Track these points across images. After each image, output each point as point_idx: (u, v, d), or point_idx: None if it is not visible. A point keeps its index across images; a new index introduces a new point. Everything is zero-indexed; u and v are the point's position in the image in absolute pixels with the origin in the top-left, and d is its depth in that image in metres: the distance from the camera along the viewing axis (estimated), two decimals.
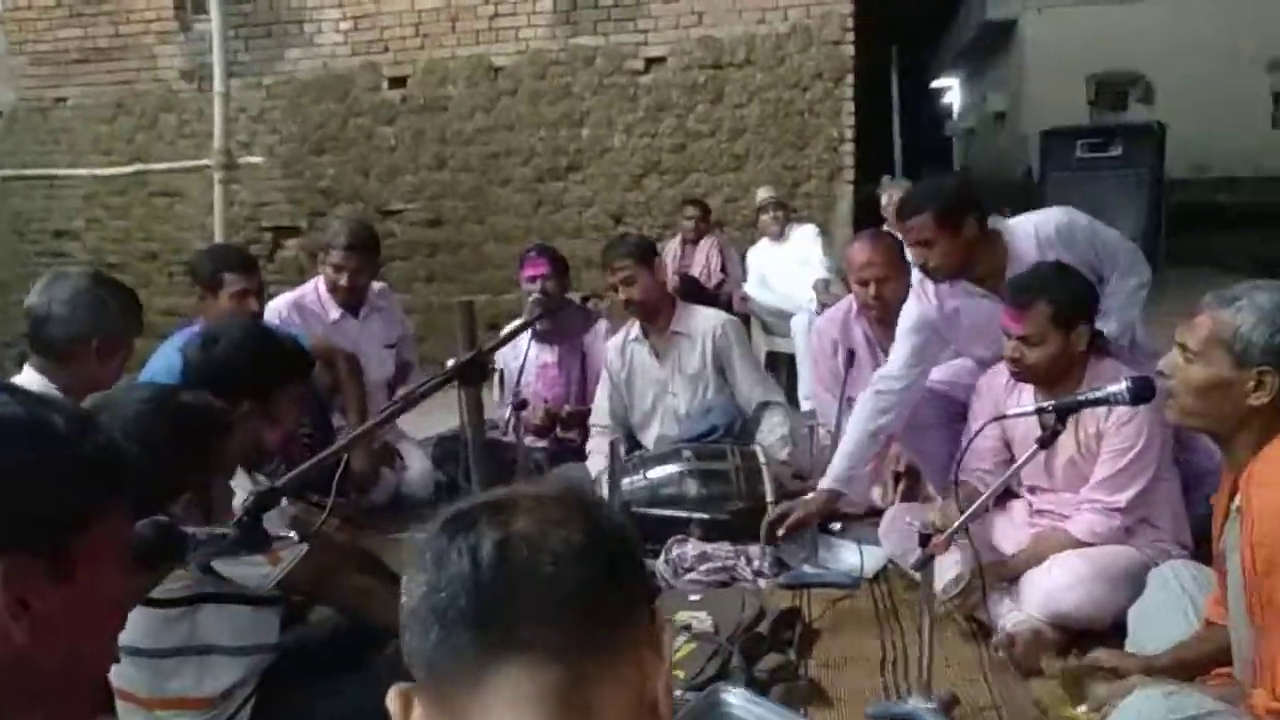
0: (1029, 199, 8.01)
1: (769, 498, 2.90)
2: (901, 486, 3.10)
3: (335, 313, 3.75)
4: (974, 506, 2.03)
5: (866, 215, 6.27)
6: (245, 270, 3.10)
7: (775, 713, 2.00)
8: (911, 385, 2.81)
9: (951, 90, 23.59)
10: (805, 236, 5.59)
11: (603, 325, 3.88)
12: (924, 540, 1.96)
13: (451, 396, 5.02)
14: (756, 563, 2.83)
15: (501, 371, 4.11)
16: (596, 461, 3.31)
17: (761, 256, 5.69)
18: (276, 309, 3.70)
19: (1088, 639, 2.26)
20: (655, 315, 3.37)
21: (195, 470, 1.52)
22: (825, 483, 2.80)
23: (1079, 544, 2.38)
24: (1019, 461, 2.17)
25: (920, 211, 2.63)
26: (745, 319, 5.74)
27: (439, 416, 5.00)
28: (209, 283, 3.06)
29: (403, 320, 4.11)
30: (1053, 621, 2.30)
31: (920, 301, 2.82)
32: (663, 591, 2.75)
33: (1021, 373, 2.45)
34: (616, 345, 3.47)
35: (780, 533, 2.73)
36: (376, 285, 4.06)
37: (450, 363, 1.54)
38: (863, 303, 3.32)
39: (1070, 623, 2.31)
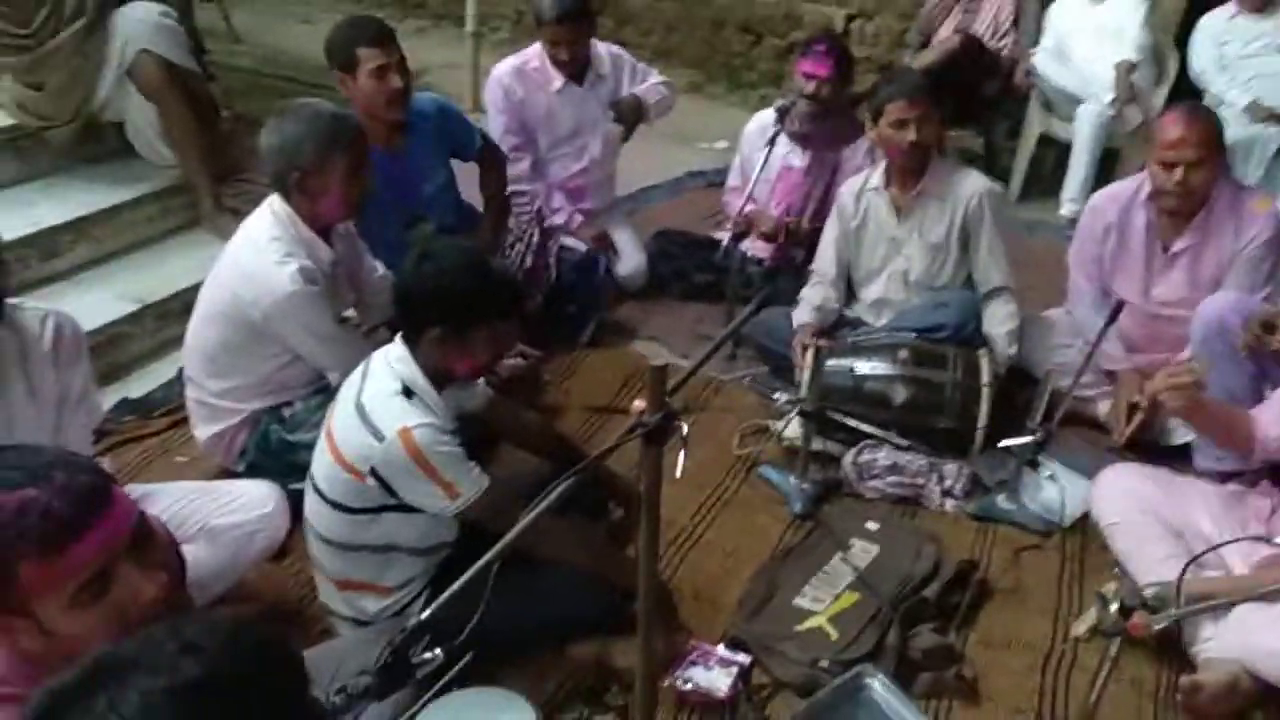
0: None
1: (980, 423, 2.66)
2: (1137, 421, 2.71)
3: (558, 81, 3.57)
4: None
5: None
6: (381, 42, 2.85)
7: (911, 713, 1.99)
8: None
9: None
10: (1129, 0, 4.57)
11: (864, 144, 3.41)
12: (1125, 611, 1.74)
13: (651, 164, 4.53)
14: (949, 481, 2.67)
15: (739, 161, 3.76)
16: (803, 312, 3.08)
17: (1068, 16, 4.67)
18: (499, 75, 3.59)
19: None
20: (921, 167, 2.93)
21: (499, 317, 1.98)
22: None
23: None
24: None
25: None
26: (1024, 95, 4.94)
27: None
28: (345, 62, 2.85)
29: (635, 72, 3.76)
30: (1258, 675, 2.06)
31: None
32: (844, 491, 2.69)
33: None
34: (852, 190, 3.08)
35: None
36: (611, 49, 3.74)
37: (637, 405, 1.40)
38: (1159, 187, 2.74)
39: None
